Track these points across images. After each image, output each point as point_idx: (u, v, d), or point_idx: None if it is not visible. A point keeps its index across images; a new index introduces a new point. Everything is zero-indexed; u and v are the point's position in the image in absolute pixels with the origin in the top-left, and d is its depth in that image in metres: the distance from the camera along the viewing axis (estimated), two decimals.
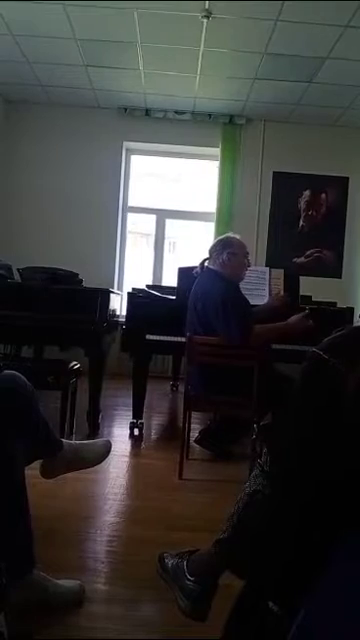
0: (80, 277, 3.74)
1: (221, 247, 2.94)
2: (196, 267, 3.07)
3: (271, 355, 2.94)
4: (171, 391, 5.26)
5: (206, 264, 3.02)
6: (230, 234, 3.09)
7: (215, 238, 3.47)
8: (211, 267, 2.96)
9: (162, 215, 6.33)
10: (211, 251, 2.98)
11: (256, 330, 2.73)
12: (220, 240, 3.01)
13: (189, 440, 3.03)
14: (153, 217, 6.35)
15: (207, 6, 3.88)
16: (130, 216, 6.39)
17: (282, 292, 3.32)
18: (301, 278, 3.73)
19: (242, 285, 3.02)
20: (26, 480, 1.49)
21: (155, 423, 4.08)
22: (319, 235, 6.08)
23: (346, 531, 0.89)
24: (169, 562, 1.45)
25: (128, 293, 3.52)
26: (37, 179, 5.97)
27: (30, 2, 3.97)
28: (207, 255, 3.02)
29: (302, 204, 6.10)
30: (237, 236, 3.06)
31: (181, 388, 4.34)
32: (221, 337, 2.70)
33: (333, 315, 3.64)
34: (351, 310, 3.63)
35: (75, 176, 6.00)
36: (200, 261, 3.06)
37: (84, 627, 1.44)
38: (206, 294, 2.83)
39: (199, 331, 2.78)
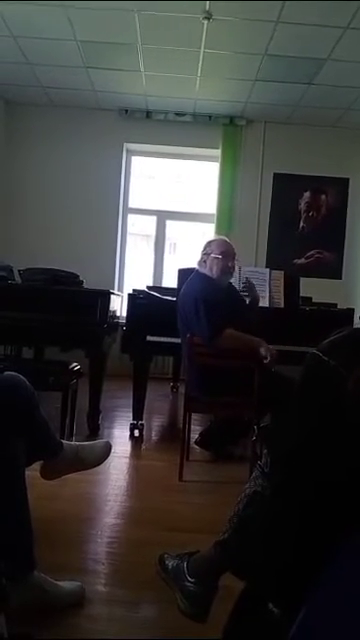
0: (81, 278, 3.74)
1: (203, 248, 3.01)
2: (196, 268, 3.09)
3: None
4: (171, 392, 5.26)
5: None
6: (215, 236, 3.09)
7: None
8: (197, 268, 3.01)
9: (162, 216, 6.32)
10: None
11: (228, 332, 2.70)
12: (206, 242, 3.07)
13: (189, 441, 3.03)
14: (154, 218, 6.35)
15: (208, 7, 3.88)
16: (131, 217, 6.39)
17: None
18: (301, 279, 3.73)
19: (242, 286, 3.01)
20: (26, 481, 1.49)
21: (155, 424, 4.08)
22: (319, 236, 6.08)
23: (348, 530, 0.89)
24: (169, 563, 1.45)
25: (128, 294, 3.52)
26: (38, 180, 5.97)
27: (31, 4, 3.97)
28: None
29: (302, 205, 6.10)
30: (224, 238, 3.09)
31: (181, 389, 4.34)
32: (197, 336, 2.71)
33: (333, 316, 3.65)
34: (351, 311, 3.63)
35: (76, 177, 6.00)
36: None
37: (84, 628, 1.44)
38: (187, 294, 2.90)
39: (186, 331, 2.79)
